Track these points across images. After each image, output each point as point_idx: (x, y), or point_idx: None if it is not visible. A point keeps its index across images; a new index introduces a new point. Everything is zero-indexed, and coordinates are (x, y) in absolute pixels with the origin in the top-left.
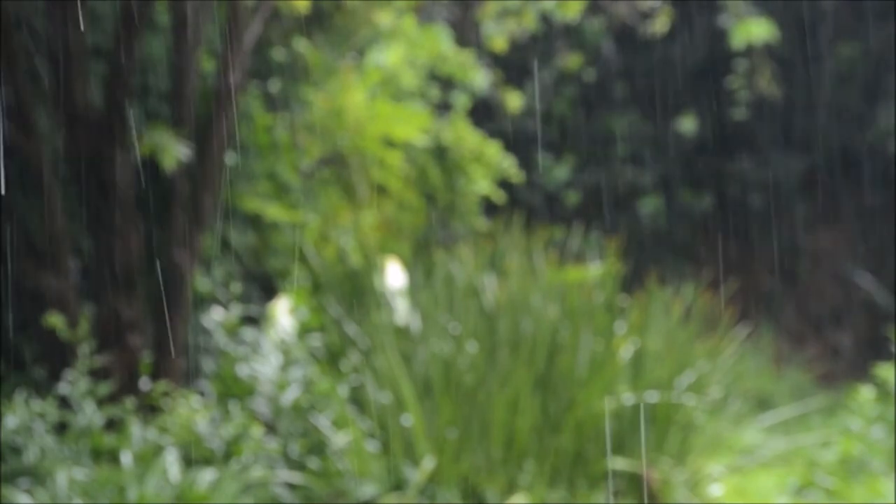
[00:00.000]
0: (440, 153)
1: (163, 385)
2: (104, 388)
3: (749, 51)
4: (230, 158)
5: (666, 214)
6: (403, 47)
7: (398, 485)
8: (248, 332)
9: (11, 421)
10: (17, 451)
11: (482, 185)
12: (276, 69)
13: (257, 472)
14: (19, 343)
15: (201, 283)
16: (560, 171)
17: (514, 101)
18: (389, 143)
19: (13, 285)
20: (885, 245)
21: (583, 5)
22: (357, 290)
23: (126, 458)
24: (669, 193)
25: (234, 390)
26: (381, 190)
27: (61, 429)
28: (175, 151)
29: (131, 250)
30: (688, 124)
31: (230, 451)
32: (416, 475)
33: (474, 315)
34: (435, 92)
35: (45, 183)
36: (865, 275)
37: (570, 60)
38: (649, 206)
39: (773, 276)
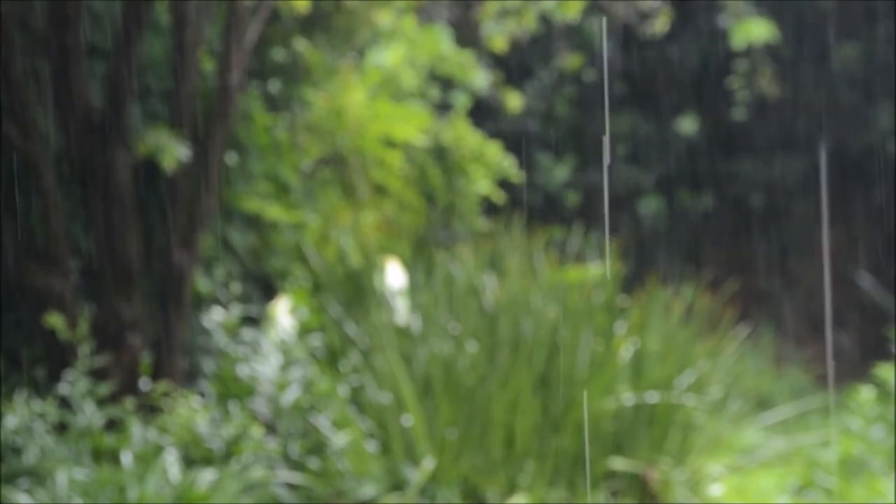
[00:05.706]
0: (440, 153)
1: (163, 385)
2: (104, 388)
3: (749, 51)
4: (230, 158)
5: (666, 214)
6: (403, 47)
7: (398, 485)
8: (248, 332)
9: (11, 421)
10: (17, 451)
11: (482, 185)
12: (276, 69)
13: (257, 472)
14: (19, 343)
15: (201, 283)
16: (560, 171)
17: (514, 101)
18: (389, 143)
19: (13, 285)
20: (885, 245)
21: (583, 5)
22: (357, 290)
23: (126, 458)
24: (669, 193)
25: (234, 390)
26: (381, 190)
27: (61, 429)
28: (175, 151)
29: (131, 250)
30: (688, 124)
31: (230, 451)
32: (416, 475)
33: (474, 315)
34: (435, 92)
35: (45, 183)
36: (865, 275)
37: (570, 60)
38: (649, 206)
39: (773, 276)
